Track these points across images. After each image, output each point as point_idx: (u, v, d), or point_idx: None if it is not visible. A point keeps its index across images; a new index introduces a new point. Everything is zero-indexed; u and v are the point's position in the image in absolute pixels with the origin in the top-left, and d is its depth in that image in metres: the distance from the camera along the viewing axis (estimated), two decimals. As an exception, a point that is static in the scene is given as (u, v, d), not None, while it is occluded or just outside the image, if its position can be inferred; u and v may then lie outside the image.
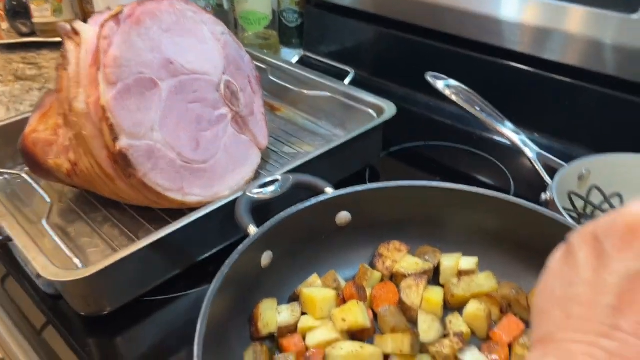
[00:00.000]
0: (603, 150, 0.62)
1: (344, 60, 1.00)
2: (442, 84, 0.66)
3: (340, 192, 0.56)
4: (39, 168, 0.65)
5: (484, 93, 0.70)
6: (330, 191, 0.56)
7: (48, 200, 0.61)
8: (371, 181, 0.75)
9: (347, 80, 0.81)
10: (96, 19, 0.61)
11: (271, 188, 0.57)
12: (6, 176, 0.72)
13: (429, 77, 0.68)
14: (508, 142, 0.66)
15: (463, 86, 0.66)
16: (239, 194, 0.57)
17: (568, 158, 0.68)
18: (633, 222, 0.26)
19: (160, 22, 0.62)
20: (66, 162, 0.62)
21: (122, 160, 0.55)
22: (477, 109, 0.63)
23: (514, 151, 0.67)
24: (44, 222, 0.58)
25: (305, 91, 0.81)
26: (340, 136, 0.80)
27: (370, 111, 0.75)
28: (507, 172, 0.73)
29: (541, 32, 0.72)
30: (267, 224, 0.51)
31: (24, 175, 0.67)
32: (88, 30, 0.58)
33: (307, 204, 0.54)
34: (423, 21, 0.86)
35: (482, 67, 0.81)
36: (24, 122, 0.66)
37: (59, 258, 0.55)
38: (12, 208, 0.66)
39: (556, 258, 0.30)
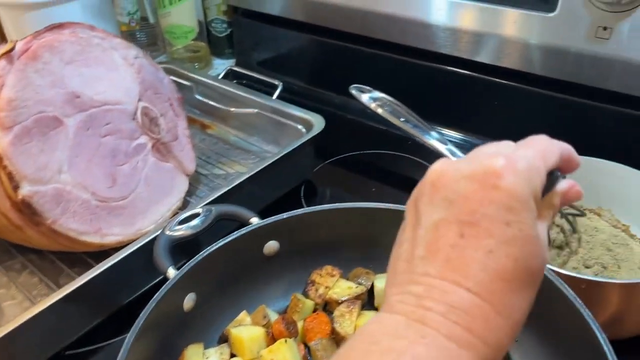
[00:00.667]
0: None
1: (276, 69, 0.97)
2: (367, 96, 0.64)
3: (264, 222, 0.53)
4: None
5: (414, 98, 0.69)
6: (255, 221, 0.54)
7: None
8: (307, 196, 0.73)
9: (275, 94, 0.79)
10: (-11, 56, 0.57)
11: (193, 223, 0.54)
12: None
13: (354, 90, 0.66)
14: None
15: (388, 97, 0.64)
16: (159, 231, 0.54)
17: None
18: (433, 177, 0.30)
19: (62, 53, 0.58)
20: (-27, 211, 0.58)
21: (26, 209, 0.52)
22: (403, 119, 0.61)
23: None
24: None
25: (233, 109, 0.78)
26: (273, 153, 0.78)
27: (299, 126, 0.73)
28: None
29: (471, 34, 0.71)
30: (186, 266, 0.48)
31: None
32: (-21, 70, 0.54)
33: (230, 238, 0.51)
34: (352, 28, 0.84)
35: (412, 72, 0.80)
36: None
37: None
38: None
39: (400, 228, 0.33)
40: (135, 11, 1.07)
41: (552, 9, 0.62)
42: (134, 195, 0.62)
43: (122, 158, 0.62)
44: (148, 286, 0.58)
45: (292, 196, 0.72)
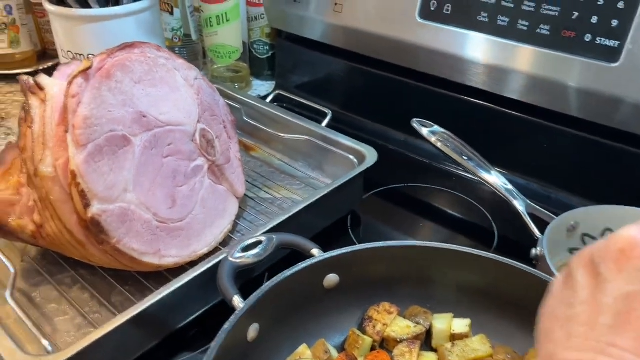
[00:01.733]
0: (590, 198, 0.62)
1: (316, 94, 0.98)
2: (427, 131, 0.65)
3: (329, 255, 0.53)
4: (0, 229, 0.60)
5: (466, 135, 0.70)
6: (317, 253, 0.54)
7: (11, 269, 0.57)
8: (353, 227, 0.73)
9: (324, 122, 0.79)
10: (62, 72, 0.57)
11: (254, 251, 0.54)
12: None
13: (415, 123, 0.66)
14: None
15: (448, 133, 0.65)
16: (221, 256, 0.54)
17: (550, 202, 0.68)
18: (625, 245, 0.28)
19: (132, 73, 0.58)
20: (30, 224, 0.58)
21: (94, 227, 0.52)
22: (465, 158, 0.62)
23: (496, 195, 0.67)
24: (7, 296, 0.53)
25: (283, 135, 0.78)
26: (319, 179, 0.78)
27: (350, 156, 0.73)
28: (489, 217, 0.72)
29: (527, 77, 0.71)
30: (255, 296, 0.48)
31: (-17, 238, 0.62)
32: (53, 86, 0.54)
33: (296, 269, 0.51)
34: (395, 59, 0.85)
35: (465, 109, 0.80)
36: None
37: (23, 336, 0.51)
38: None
39: (557, 281, 0.32)
40: (179, 28, 1.08)
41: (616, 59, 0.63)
42: (191, 217, 0.62)
43: (182, 179, 0.62)
44: (201, 311, 0.58)
45: (339, 226, 0.72)
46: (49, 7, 0.84)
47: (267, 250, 0.54)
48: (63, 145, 0.52)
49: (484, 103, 0.77)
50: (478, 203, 0.74)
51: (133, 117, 0.57)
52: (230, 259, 0.53)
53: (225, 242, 0.67)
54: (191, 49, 1.12)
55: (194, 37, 1.11)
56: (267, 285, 0.49)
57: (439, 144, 0.64)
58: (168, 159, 0.61)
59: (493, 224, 0.71)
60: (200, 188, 0.64)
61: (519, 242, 0.64)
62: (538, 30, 0.68)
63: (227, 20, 0.98)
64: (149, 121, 0.59)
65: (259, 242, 0.55)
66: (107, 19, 0.83)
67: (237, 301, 0.48)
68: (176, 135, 0.62)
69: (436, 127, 0.66)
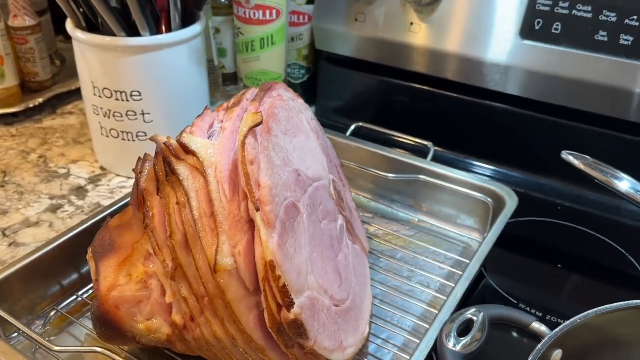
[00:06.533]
0: None
1: (374, 121, 0.88)
2: (582, 163, 0.59)
3: (560, 331, 0.45)
4: (117, 334, 0.46)
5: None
6: (538, 327, 0.46)
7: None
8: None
9: (429, 157, 0.70)
10: (199, 126, 0.45)
11: (472, 334, 0.44)
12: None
13: (566, 155, 0.59)
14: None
15: (602, 164, 0.59)
16: (429, 346, 0.44)
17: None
18: None
19: (280, 122, 0.47)
20: (165, 326, 0.45)
21: (293, 329, 0.40)
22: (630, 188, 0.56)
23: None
24: None
25: (391, 175, 0.68)
26: (429, 223, 0.69)
27: (480, 196, 0.65)
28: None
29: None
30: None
31: (99, 350, 0.47)
32: (207, 148, 0.42)
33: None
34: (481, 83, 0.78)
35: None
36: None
37: None
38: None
39: None
40: (202, 52, 0.94)
41: None
42: (353, 292, 0.51)
43: (337, 246, 0.51)
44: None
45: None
46: (80, 35, 0.69)
47: (483, 331, 0.45)
48: (238, 226, 0.40)
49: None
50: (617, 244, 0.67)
51: (294, 177, 0.46)
52: (452, 348, 0.43)
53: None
54: (214, 75, 0.98)
55: (216, 62, 0.98)
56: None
57: (597, 176, 0.58)
58: (324, 223, 0.50)
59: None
60: (349, 253, 0.54)
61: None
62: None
63: (273, 44, 0.86)
64: (303, 180, 0.48)
65: (471, 321, 0.45)
66: (159, 48, 0.69)
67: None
68: (321, 193, 0.51)
69: (588, 158, 0.59)
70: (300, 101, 0.55)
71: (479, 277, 0.63)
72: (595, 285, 0.64)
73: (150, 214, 0.43)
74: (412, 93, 0.85)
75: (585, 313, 0.46)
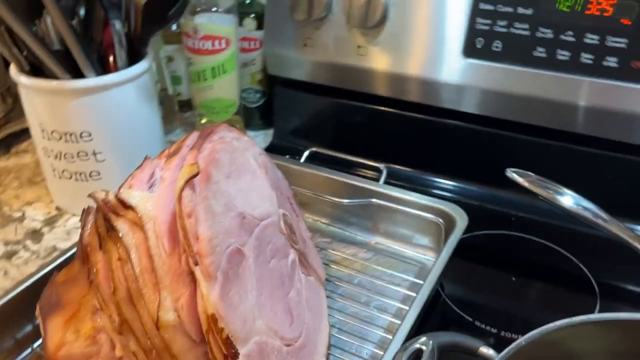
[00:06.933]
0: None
1: (330, 145, 0.89)
2: (526, 180, 0.60)
3: (504, 355, 0.46)
4: (70, 391, 0.46)
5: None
6: (486, 351, 0.47)
7: None
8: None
9: (381, 180, 0.71)
10: (138, 178, 0.45)
11: (421, 363, 0.45)
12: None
13: (510, 173, 0.61)
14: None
15: (546, 180, 0.60)
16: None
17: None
18: None
19: (221, 167, 0.47)
20: (118, 379, 0.44)
21: (240, 379, 0.40)
22: (578, 206, 0.58)
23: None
24: None
25: (345, 201, 0.69)
26: (382, 244, 0.70)
27: (430, 216, 0.66)
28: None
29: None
30: None
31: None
32: (146, 202, 0.42)
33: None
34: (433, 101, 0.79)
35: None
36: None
37: None
38: None
39: None
40: (156, 81, 0.94)
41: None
42: (306, 328, 0.51)
43: (288, 283, 0.51)
44: None
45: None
46: (24, 80, 0.68)
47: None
48: (179, 280, 0.40)
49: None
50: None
51: (237, 221, 0.46)
52: (402, 381, 0.44)
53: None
54: (169, 104, 0.98)
55: (170, 90, 0.97)
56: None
57: (543, 193, 0.59)
58: (273, 262, 0.50)
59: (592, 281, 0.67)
60: (301, 287, 0.54)
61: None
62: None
63: (224, 72, 0.86)
64: (249, 222, 0.48)
65: (420, 350, 0.46)
66: (106, 88, 0.68)
67: None
68: (269, 231, 0.52)
69: (532, 175, 0.61)
70: (246, 138, 0.56)
71: (436, 296, 0.64)
72: (549, 294, 0.66)
73: (95, 269, 0.43)
74: (366, 113, 0.86)
75: (530, 334, 0.47)
